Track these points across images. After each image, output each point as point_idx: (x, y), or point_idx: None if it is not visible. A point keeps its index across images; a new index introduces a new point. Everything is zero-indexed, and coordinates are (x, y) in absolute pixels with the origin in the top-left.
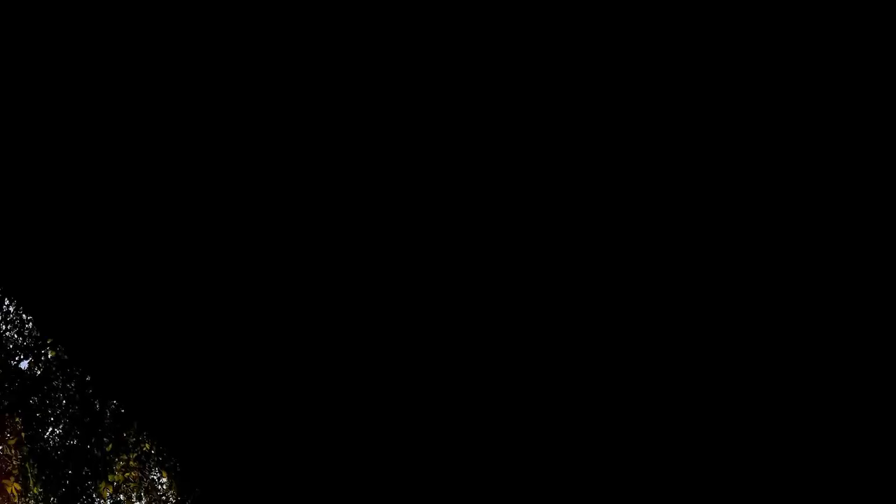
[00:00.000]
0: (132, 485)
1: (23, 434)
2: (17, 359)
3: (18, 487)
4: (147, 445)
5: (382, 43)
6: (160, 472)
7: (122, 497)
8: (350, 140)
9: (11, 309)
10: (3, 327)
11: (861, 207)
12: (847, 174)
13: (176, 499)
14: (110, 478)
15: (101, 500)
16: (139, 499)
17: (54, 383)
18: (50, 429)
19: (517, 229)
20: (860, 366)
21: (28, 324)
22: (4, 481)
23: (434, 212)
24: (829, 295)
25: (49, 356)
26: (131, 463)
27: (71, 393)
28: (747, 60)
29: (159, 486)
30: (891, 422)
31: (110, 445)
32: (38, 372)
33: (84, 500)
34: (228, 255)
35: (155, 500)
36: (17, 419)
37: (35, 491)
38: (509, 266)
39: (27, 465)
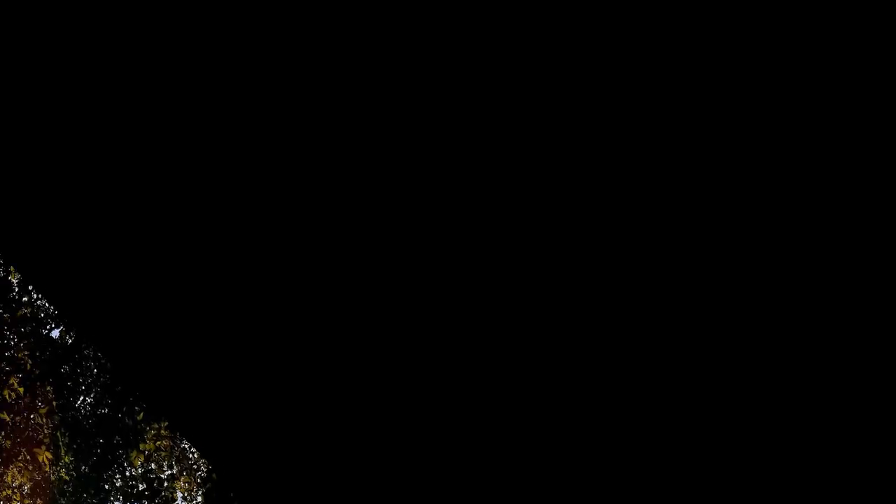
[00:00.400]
0: (163, 453)
1: (54, 403)
2: (48, 327)
3: (49, 456)
4: None
5: (382, 43)
6: None
7: (153, 466)
8: (352, 140)
9: None
10: (35, 296)
11: (861, 207)
12: (847, 174)
13: (207, 467)
14: (141, 446)
15: (133, 469)
16: (170, 467)
17: (85, 352)
18: (81, 397)
19: (517, 229)
20: (860, 366)
21: None
22: (36, 450)
23: (435, 211)
24: (829, 295)
25: None
26: (162, 432)
27: (102, 361)
28: (747, 61)
29: (190, 455)
30: (891, 422)
31: (141, 414)
32: (70, 340)
33: (115, 468)
34: (234, 251)
35: (186, 469)
36: (48, 388)
37: (66, 460)
38: (509, 266)
39: (58, 433)
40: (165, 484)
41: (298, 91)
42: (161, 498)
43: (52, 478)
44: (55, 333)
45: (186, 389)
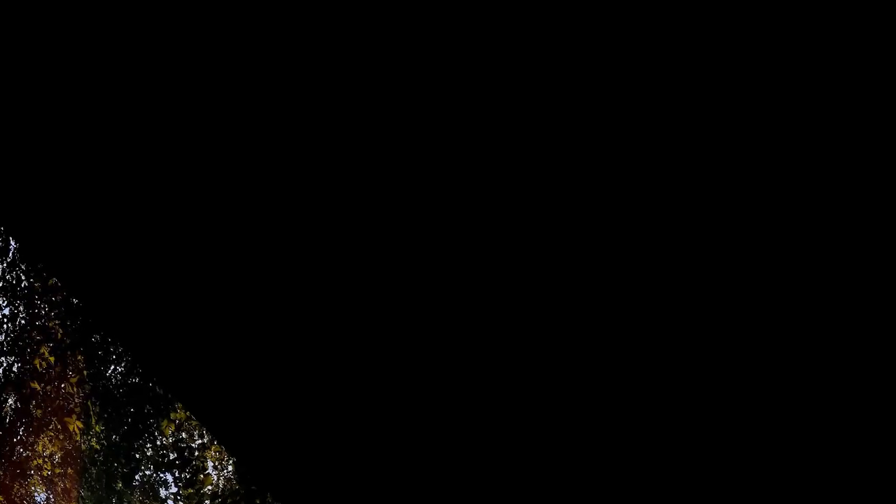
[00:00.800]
0: (194, 422)
1: (85, 372)
2: None
3: (80, 425)
4: None
5: (382, 43)
6: None
7: (183, 435)
8: (352, 139)
9: None
10: None
11: (861, 207)
12: (847, 174)
13: None
14: (172, 415)
15: (163, 438)
16: (201, 436)
17: None
18: (112, 367)
19: (517, 230)
20: (860, 366)
21: None
22: (66, 419)
23: (435, 211)
24: (829, 295)
25: None
26: None
27: None
28: (747, 61)
29: None
30: (891, 422)
31: None
32: None
33: (146, 437)
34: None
35: None
36: (79, 357)
37: (97, 429)
38: (510, 266)
39: (89, 403)
40: (196, 453)
41: (307, 92)
42: (192, 467)
43: (83, 447)
44: None
45: (200, 382)
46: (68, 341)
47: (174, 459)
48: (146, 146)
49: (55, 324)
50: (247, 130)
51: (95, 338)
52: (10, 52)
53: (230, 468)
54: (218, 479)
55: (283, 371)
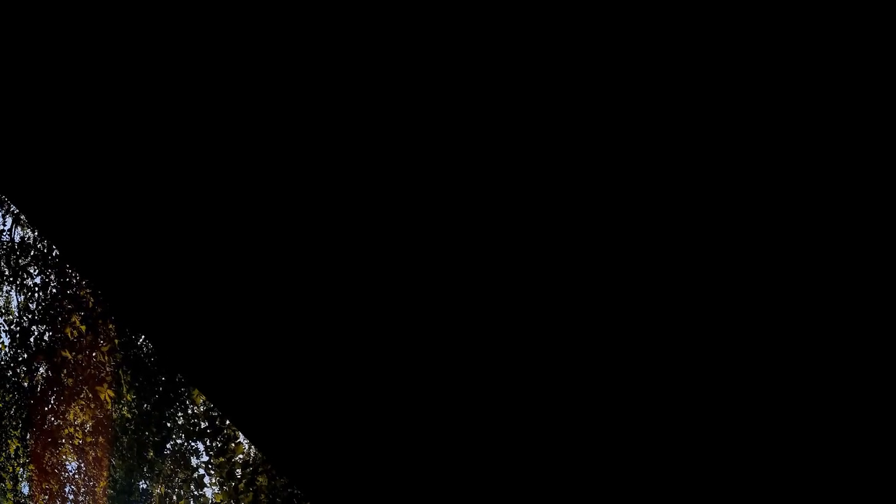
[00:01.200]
0: None
1: (116, 341)
2: None
3: (112, 394)
4: None
5: (382, 42)
6: None
7: None
8: (351, 139)
9: None
10: None
11: (861, 208)
12: (847, 174)
13: None
14: None
15: (195, 407)
16: None
17: None
18: (143, 335)
19: (518, 230)
20: (860, 366)
21: None
22: (98, 388)
23: (435, 211)
24: (829, 295)
25: None
26: None
27: None
28: (747, 61)
29: None
30: (891, 422)
31: None
32: None
33: (177, 406)
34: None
35: None
36: (110, 326)
37: (128, 398)
38: (510, 266)
39: (120, 371)
40: (227, 422)
41: (313, 96)
42: (223, 436)
43: (114, 416)
44: None
45: (214, 371)
46: (99, 310)
47: (205, 428)
48: (159, 143)
49: (86, 292)
50: (259, 126)
51: None
52: (14, 56)
53: None
54: (249, 447)
55: (293, 362)
